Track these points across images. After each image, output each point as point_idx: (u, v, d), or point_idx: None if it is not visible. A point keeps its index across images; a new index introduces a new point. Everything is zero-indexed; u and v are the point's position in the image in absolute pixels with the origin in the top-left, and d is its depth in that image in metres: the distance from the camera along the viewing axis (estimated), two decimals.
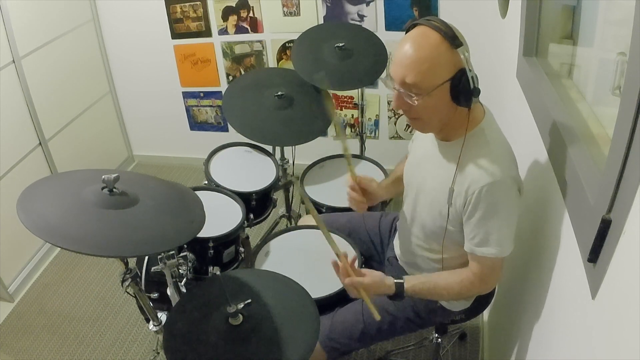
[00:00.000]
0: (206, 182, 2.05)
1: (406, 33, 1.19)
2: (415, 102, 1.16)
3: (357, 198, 1.50)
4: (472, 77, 1.13)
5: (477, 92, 1.15)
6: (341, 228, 1.74)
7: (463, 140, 1.22)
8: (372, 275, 1.30)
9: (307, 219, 1.89)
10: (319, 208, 1.96)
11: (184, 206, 1.35)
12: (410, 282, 1.32)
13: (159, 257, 1.44)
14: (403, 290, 1.30)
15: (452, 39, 1.12)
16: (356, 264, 1.58)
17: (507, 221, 1.22)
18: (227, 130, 3.30)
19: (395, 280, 1.31)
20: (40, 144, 2.68)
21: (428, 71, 1.13)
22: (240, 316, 1.21)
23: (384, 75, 2.13)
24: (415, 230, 1.43)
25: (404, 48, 1.15)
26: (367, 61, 2.11)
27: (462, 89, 1.14)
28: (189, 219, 1.29)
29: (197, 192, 1.51)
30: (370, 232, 1.74)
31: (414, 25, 1.17)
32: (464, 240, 1.28)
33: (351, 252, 1.64)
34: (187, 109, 3.30)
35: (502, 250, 1.23)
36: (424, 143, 1.39)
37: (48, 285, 2.57)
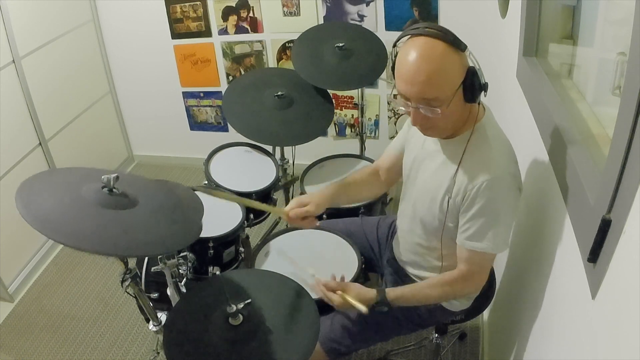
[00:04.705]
0: (206, 182, 2.05)
1: (395, 44, 1.18)
2: (439, 114, 1.15)
3: (300, 223, 1.46)
4: (480, 73, 1.14)
5: (486, 86, 1.16)
6: (339, 233, 1.74)
7: (469, 135, 1.22)
8: (350, 283, 1.33)
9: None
10: None
11: (184, 209, 1.34)
12: (392, 288, 1.34)
13: (159, 257, 1.44)
14: (385, 295, 1.31)
15: (456, 42, 1.12)
16: (356, 265, 1.59)
17: (503, 218, 1.22)
18: (227, 130, 3.30)
19: (377, 288, 1.33)
20: (40, 143, 2.68)
21: (444, 82, 1.12)
22: (240, 316, 1.21)
23: (383, 76, 2.12)
24: (414, 227, 1.43)
25: (412, 64, 1.12)
26: (367, 61, 2.11)
27: (475, 87, 1.14)
28: (188, 223, 1.28)
29: (197, 192, 1.51)
30: (369, 237, 1.73)
31: (414, 35, 1.14)
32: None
33: (351, 253, 1.64)
34: (187, 109, 3.30)
35: (494, 247, 1.23)
36: (422, 142, 1.38)
37: (48, 285, 2.57)
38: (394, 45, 1.20)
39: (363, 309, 1.26)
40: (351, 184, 1.58)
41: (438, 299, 1.40)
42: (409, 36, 1.15)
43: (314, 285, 1.38)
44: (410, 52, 1.12)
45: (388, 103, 2.91)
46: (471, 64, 1.14)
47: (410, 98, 1.16)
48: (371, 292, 1.32)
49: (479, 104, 1.21)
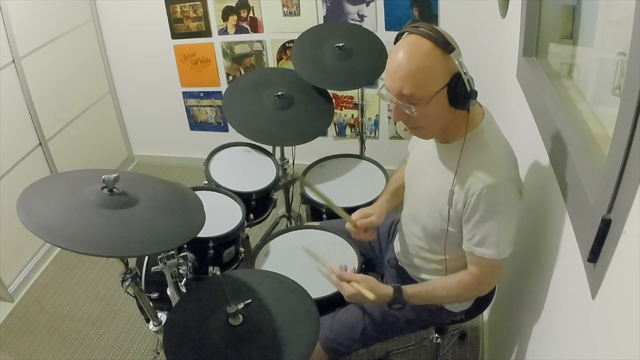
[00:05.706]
0: (206, 182, 2.05)
1: (395, 42, 1.18)
2: (415, 112, 1.15)
3: (363, 235, 1.55)
4: (467, 80, 1.13)
5: (474, 94, 1.14)
6: (339, 233, 1.74)
7: (462, 142, 1.22)
8: (366, 276, 1.33)
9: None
10: (319, 208, 1.96)
11: (184, 206, 1.35)
12: (409, 285, 1.33)
13: (159, 257, 1.44)
14: (401, 292, 1.30)
15: (444, 44, 1.11)
16: (356, 265, 1.59)
17: (506, 223, 1.21)
18: (227, 130, 3.30)
19: (393, 285, 1.32)
20: (40, 144, 2.68)
21: (424, 81, 1.12)
22: (240, 316, 1.21)
23: (383, 76, 2.12)
24: (416, 231, 1.43)
25: (396, 60, 1.14)
26: (367, 61, 2.11)
27: (459, 93, 1.13)
28: (189, 219, 1.29)
29: (197, 192, 1.51)
30: None
31: (409, 33, 1.15)
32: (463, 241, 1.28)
33: (351, 253, 1.64)
34: (187, 109, 3.30)
35: (500, 252, 1.23)
36: (424, 145, 1.39)
37: (48, 285, 2.57)
38: (395, 41, 1.20)
39: (371, 296, 1.28)
40: (397, 188, 1.59)
41: (451, 300, 1.41)
42: (407, 33, 1.16)
43: (328, 274, 1.42)
44: (398, 48, 1.14)
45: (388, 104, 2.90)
46: (462, 71, 1.12)
47: (390, 92, 1.18)
48: (387, 289, 1.31)
49: (468, 110, 1.18)
